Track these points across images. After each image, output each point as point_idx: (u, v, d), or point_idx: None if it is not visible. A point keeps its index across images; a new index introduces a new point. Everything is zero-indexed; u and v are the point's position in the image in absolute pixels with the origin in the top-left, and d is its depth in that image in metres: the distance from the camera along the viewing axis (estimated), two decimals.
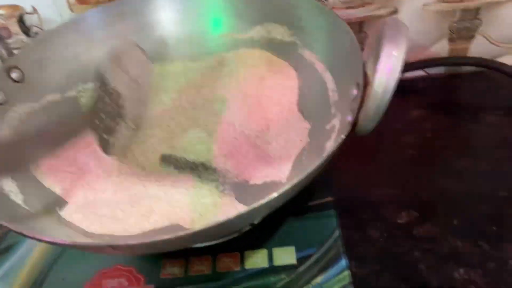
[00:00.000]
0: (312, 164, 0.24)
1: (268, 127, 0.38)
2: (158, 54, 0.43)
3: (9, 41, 0.51)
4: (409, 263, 0.39)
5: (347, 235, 0.42)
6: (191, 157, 0.36)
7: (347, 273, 0.31)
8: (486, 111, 0.51)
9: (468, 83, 0.56)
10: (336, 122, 0.32)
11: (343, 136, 0.26)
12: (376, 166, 0.47)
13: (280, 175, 0.33)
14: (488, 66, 0.51)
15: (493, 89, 0.54)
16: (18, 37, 0.50)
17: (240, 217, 0.23)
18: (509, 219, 0.40)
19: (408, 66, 0.55)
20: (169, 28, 0.43)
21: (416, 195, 0.44)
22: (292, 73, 0.40)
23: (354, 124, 0.27)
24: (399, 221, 0.42)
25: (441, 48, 0.54)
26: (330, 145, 0.29)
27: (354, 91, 0.29)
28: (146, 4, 0.43)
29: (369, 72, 0.29)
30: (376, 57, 0.25)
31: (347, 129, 0.26)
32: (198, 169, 0.35)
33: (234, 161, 0.35)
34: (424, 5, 0.50)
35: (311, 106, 0.37)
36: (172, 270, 0.33)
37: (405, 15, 0.50)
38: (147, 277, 0.33)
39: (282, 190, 0.24)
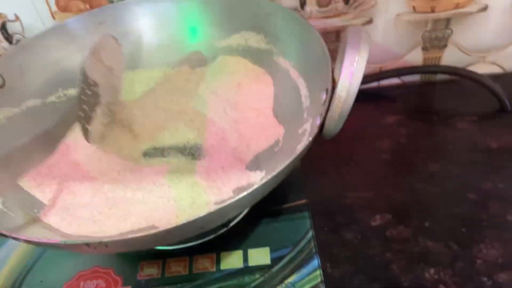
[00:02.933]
0: (281, 165, 0.25)
1: (245, 132, 0.39)
2: (136, 60, 0.44)
3: None
4: (382, 264, 0.40)
5: (322, 237, 0.43)
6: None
7: (318, 272, 0.32)
8: (458, 117, 0.53)
9: (442, 90, 0.58)
10: (307, 126, 0.33)
11: (310, 138, 0.27)
12: (352, 170, 0.49)
13: (254, 178, 0.34)
14: (460, 74, 0.53)
15: (465, 96, 0.56)
16: (0, 44, 0.51)
17: (211, 216, 0.24)
18: (478, 221, 0.42)
19: (383, 74, 0.57)
20: (148, 36, 0.44)
21: (390, 198, 0.45)
22: (268, 79, 0.41)
23: (322, 126, 0.28)
24: (373, 223, 0.43)
25: (416, 57, 0.56)
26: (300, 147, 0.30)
27: (323, 96, 0.30)
28: (126, 13, 0.44)
29: (336, 78, 0.30)
30: (341, 63, 0.26)
31: (314, 131, 0.27)
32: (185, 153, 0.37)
33: (215, 159, 0.37)
34: (397, 15, 0.51)
35: (285, 112, 0.38)
36: (149, 271, 0.34)
37: (379, 25, 0.52)
38: (124, 278, 0.34)
39: (251, 189, 0.25)
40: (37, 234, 0.29)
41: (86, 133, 0.35)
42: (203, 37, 0.44)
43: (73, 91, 0.43)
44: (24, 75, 0.40)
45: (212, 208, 0.24)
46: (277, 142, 0.36)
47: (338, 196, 0.46)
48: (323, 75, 0.32)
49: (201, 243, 0.35)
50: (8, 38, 0.51)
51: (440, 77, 0.58)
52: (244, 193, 0.24)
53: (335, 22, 0.52)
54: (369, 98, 0.58)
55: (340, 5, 0.50)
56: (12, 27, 0.50)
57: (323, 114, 0.28)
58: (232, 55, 0.43)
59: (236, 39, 0.44)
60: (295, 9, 0.50)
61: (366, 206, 0.45)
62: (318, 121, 0.29)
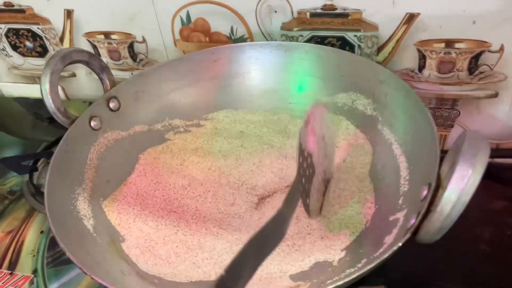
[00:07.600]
0: (364, 267, 0.24)
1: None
2: (241, 101, 0.46)
3: (118, 62, 0.56)
4: None
5: None
6: None
7: None
8: None
9: None
10: (400, 216, 0.31)
11: (399, 244, 0.25)
12: (442, 255, 0.45)
13: (333, 256, 0.33)
14: None
15: None
16: (125, 60, 0.55)
17: None
18: None
19: (500, 152, 0.51)
20: (256, 80, 0.46)
21: None
22: (368, 148, 0.39)
23: (416, 231, 0.26)
24: None
25: None
26: (387, 246, 0.28)
27: (424, 192, 0.28)
28: (240, 55, 0.45)
29: (442, 175, 0.28)
30: (452, 169, 0.24)
31: (406, 236, 0.25)
32: None
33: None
34: None
35: (379, 188, 0.36)
36: None
37: (505, 100, 0.47)
38: None
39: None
40: (114, 267, 0.31)
41: (307, 207, 0.34)
42: (310, 89, 0.44)
43: (177, 122, 0.45)
44: (138, 101, 0.43)
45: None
46: (366, 221, 0.34)
47: (420, 281, 0.43)
48: (428, 163, 0.30)
49: None
50: (133, 56, 0.55)
51: None
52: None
53: (454, 90, 0.48)
54: None
55: (463, 74, 0.46)
56: (138, 48, 0.54)
57: (420, 217, 0.26)
58: (336, 114, 0.42)
59: (343, 98, 0.42)
60: (412, 70, 0.47)
61: None
62: (412, 221, 0.26)
